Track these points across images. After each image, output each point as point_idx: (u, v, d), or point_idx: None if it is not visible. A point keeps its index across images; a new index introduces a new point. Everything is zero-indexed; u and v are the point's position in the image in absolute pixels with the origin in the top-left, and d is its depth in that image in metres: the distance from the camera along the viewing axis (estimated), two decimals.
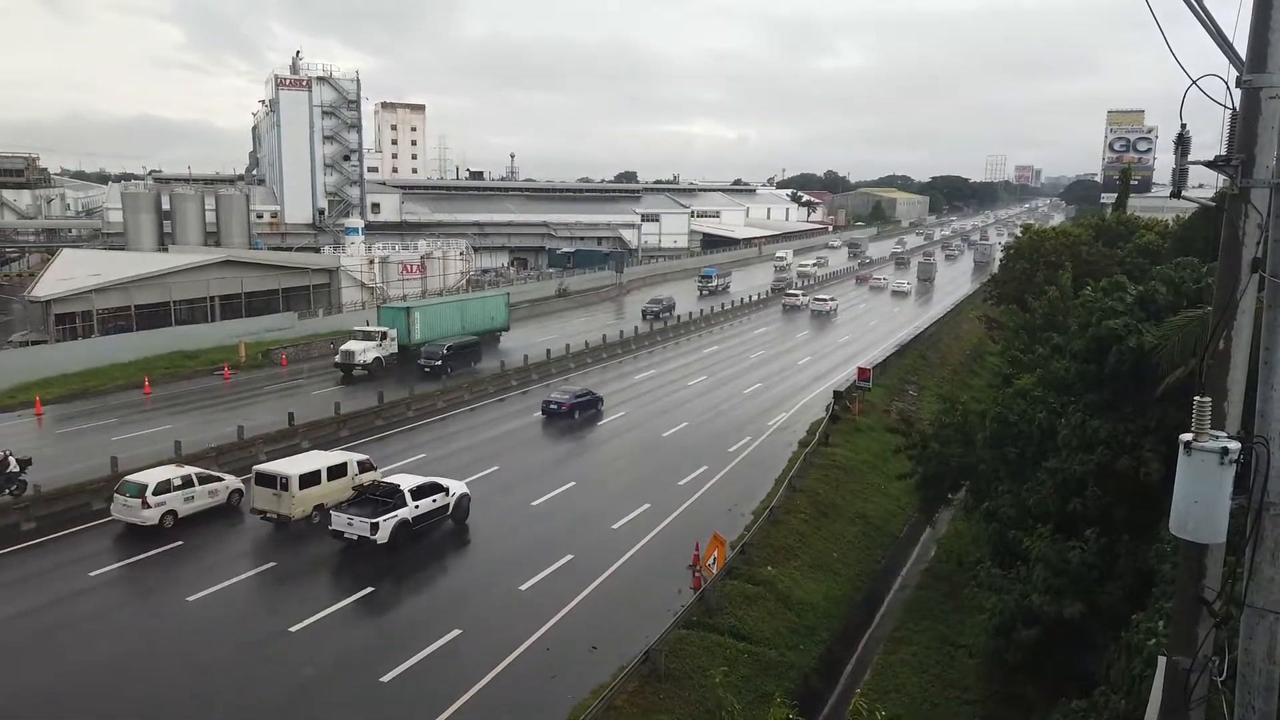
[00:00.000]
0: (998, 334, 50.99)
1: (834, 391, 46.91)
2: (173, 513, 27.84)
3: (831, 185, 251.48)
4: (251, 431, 36.77)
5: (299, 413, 39.90)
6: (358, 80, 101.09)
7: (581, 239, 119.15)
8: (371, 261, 77.17)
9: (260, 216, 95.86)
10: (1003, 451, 22.83)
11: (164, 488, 27.82)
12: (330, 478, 28.98)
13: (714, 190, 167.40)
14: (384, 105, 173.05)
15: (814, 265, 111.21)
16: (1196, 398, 7.70)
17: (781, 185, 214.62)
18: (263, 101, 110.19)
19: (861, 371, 48.39)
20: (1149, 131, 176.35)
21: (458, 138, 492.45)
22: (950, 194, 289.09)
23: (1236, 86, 7.60)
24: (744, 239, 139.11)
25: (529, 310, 78.47)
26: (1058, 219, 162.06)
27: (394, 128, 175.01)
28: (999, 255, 78.37)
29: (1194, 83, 7.49)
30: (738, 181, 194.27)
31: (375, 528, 25.75)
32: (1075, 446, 18.79)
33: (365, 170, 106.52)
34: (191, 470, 29.28)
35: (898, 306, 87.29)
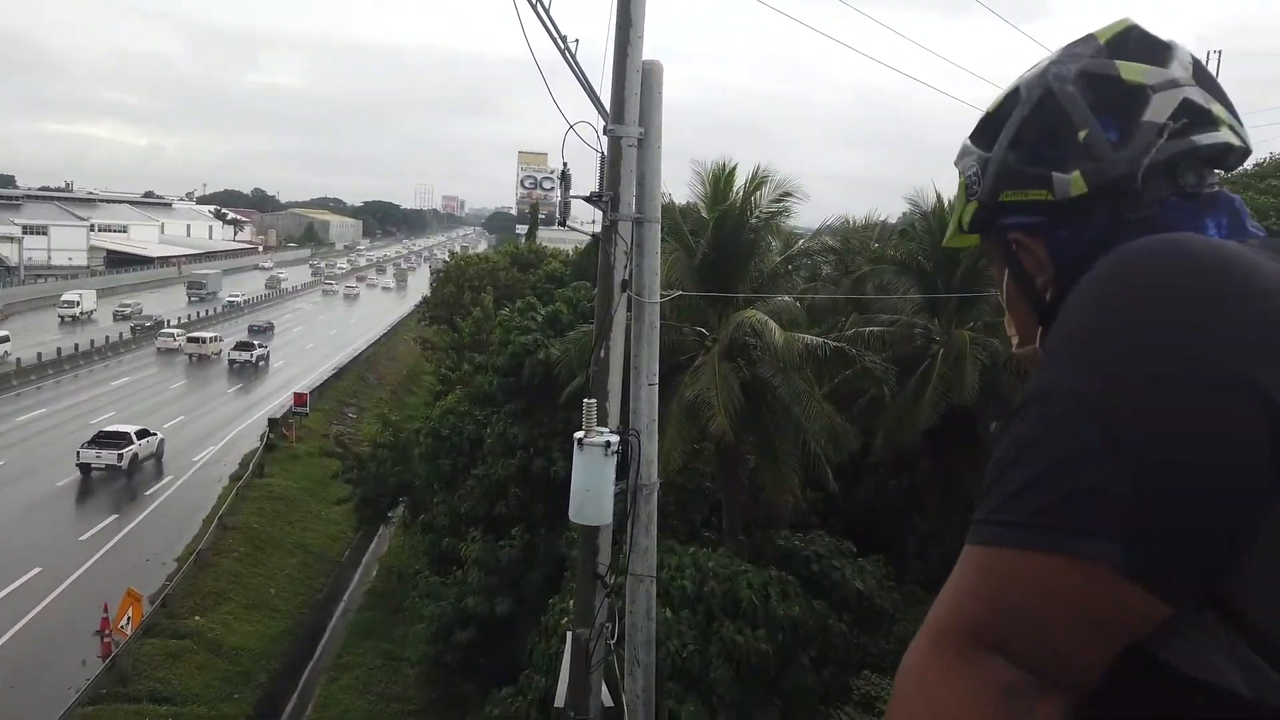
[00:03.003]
0: (431, 354, 53.13)
1: (269, 419, 44.74)
2: None
3: (260, 204, 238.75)
4: None
5: None
6: None
7: None
8: None
9: None
10: (437, 465, 23.84)
11: None
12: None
13: (120, 203, 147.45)
14: None
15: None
16: (586, 400, 8.91)
17: (203, 201, 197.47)
18: None
19: (298, 397, 46.92)
20: (552, 172, 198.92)
21: None
22: (383, 219, 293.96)
23: (604, 134, 8.99)
24: (160, 258, 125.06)
25: None
26: (483, 246, 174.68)
27: None
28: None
29: (571, 127, 8.72)
30: (150, 194, 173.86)
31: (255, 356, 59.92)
32: (499, 453, 20.44)
33: None
34: None
35: (387, 297, 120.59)
